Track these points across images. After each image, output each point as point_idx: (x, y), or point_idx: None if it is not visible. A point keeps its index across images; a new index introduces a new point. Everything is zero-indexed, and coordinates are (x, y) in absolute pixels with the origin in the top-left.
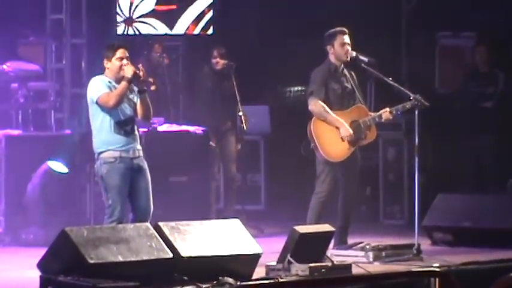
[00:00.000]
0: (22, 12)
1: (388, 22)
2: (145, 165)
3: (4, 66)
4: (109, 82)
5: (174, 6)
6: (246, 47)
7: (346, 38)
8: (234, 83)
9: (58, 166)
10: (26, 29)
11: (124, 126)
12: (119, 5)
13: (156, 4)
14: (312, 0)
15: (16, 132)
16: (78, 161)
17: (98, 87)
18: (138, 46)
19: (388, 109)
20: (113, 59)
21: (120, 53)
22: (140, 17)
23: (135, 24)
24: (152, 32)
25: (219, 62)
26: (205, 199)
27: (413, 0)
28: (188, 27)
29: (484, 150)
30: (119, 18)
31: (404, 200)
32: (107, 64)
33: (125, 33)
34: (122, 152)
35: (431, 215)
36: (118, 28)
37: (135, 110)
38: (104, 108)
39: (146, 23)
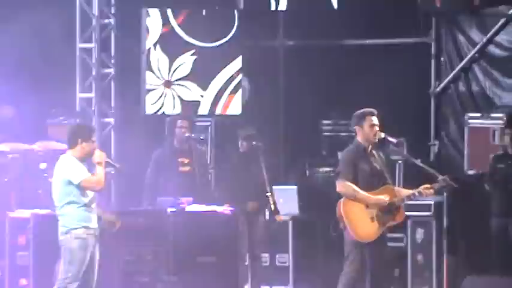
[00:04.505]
0: (51, 91)
1: (417, 103)
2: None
3: (34, 146)
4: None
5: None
6: (273, 126)
7: (375, 119)
8: (262, 165)
9: None
10: (55, 109)
11: (91, 204)
12: (158, 68)
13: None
14: (340, 81)
15: (44, 211)
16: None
17: (77, 169)
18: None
19: (428, 185)
20: (90, 141)
21: (95, 136)
22: (178, 80)
23: (173, 86)
24: (187, 93)
25: (244, 145)
26: (232, 280)
27: (441, 82)
28: (216, 107)
29: None
30: (158, 82)
31: (432, 282)
32: (81, 143)
33: (162, 96)
34: (93, 229)
35: None
36: (156, 90)
37: None
38: (81, 188)
39: (183, 86)
